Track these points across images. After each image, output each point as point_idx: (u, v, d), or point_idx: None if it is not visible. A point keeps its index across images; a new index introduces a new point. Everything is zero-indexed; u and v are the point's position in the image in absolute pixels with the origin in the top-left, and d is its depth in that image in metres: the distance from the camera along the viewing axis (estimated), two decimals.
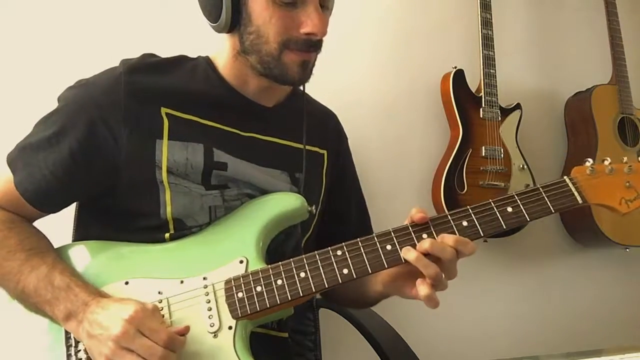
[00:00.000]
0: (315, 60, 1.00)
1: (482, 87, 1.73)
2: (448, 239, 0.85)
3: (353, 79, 1.73)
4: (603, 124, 1.85)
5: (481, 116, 1.72)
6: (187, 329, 0.83)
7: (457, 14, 1.87)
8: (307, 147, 1.08)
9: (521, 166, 1.75)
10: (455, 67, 1.74)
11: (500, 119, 1.75)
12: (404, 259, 0.85)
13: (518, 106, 1.80)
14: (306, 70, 0.99)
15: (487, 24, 1.75)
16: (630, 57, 1.91)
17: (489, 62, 1.74)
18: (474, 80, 1.75)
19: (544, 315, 1.88)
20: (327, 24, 0.97)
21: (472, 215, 0.88)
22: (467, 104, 1.73)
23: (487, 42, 1.75)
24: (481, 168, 1.69)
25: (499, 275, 1.85)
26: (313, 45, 0.97)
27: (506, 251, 1.84)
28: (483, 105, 1.72)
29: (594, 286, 1.96)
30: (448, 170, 1.66)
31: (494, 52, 1.75)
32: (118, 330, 0.78)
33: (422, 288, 0.85)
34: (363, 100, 1.73)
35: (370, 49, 1.77)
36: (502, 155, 1.72)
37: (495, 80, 1.74)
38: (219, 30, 0.99)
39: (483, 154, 1.69)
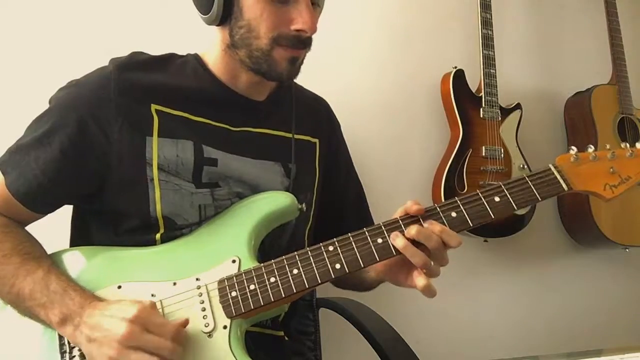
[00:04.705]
0: (304, 57, 1.01)
1: (482, 87, 1.73)
2: (435, 225, 0.86)
3: (353, 78, 1.73)
4: (603, 124, 1.85)
5: (481, 116, 1.72)
6: (186, 321, 0.83)
7: (457, 14, 1.87)
8: (298, 136, 1.09)
9: (521, 166, 1.75)
10: (455, 67, 1.74)
11: (500, 119, 1.75)
12: (393, 246, 0.87)
13: (518, 106, 1.80)
14: (294, 66, 0.99)
15: (487, 24, 1.75)
16: (630, 57, 1.91)
17: (489, 62, 1.74)
18: (474, 80, 1.75)
19: (544, 315, 1.88)
20: (317, 21, 0.98)
21: (461, 206, 0.89)
22: (467, 104, 1.73)
23: (487, 42, 1.75)
24: (481, 168, 1.69)
25: (499, 275, 1.85)
26: (303, 42, 0.97)
27: (506, 251, 1.84)
28: (483, 105, 1.72)
29: (594, 286, 1.96)
30: (448, 170, 1.66)
31: (494, 52, 1.75)
32: (123, 330, 0.78)
33: (420, 280, 0.86)
34: (363, 100, 1.73)
35: (370, 49, 1.77)
36: (502, 155, 1.72)
37: (495, 80, 1.74)
38: (209, 22, 0.99)
39: (483, 154, 1.69)
